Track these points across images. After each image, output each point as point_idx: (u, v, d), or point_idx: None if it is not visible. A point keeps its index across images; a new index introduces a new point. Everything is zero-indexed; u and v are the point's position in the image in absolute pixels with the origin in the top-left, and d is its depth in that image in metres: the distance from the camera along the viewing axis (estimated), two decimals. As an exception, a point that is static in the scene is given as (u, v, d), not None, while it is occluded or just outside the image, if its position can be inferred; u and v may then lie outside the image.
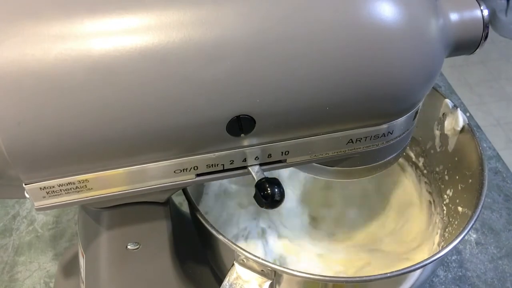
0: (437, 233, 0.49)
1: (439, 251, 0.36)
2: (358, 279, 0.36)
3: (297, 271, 0.35)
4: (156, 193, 0.34)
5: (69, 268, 0.52)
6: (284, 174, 0.54)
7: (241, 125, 0.28)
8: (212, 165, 0.31)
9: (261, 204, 0.31)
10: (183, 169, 0.31)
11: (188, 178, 0.32)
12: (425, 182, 0.53)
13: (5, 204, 0.62)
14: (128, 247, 0.39)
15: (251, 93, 0.27)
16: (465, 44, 0.33)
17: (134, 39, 0.25)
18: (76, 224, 0.59)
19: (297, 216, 0.53)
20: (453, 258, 0.56)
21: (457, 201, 0.46)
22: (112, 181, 0.30)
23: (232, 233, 0.49)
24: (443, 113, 0.48)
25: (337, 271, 0.49)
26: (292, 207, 0.54)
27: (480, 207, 0.39)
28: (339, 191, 0.55)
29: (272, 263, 0.35)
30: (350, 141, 0.33)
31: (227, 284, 0.37)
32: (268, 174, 0.32)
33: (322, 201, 0.55)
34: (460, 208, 0.45)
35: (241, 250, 0.36)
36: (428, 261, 0.35)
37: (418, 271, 0.37)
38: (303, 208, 0.54)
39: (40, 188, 0.29)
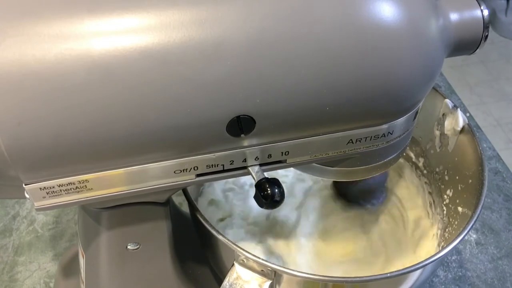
0: (437, 233, 0.49)
1: (439, 251, 0.36)
2: (358, 279, 0.36)
3: (297, 271, 0.35)
4: (156, 193, 0.34)
5: (69, 268, 0.52)
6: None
7: (241, 125, 0.28)
8: (212, 165, 0.31)
9: (261, 205, 0.31)
10: (183, 169, 0.31)
11: (188, 178, 0.32)
12: (425, 182, 0.53)
13: (5, 204, 0.62)
14: (128, 247, 0.39)
15: (251, 93, 0.27)
16: (465, 44, 0.33)
17: (134, 39, 0.25)
18: (76, 224, 0.59)
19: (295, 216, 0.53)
20: (453, 258, 0.56)
21: (457, 201, 0.46)
22: (112, 181, 0.30)
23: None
24: (443, 113, 0.48)
25: (336, 271, 0.49)
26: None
27: (480, 207, 0.39)
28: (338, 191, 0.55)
29: (272, 263, 0.35)
30: (350, 141, 0.33)
31: (227, 284, 0.37)
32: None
33: (321, 200, 0.55)
34: (460, 208, 0.45)
35: (241, 250, 0.36)
36: (428, 261, 0.35)
37: (418, 271, 0.37)
38: (303, 208, 0.54)
39: (40, 188, 0.29)
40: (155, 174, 0.30)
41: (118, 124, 0.27)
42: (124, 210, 0.36)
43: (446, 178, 0.49)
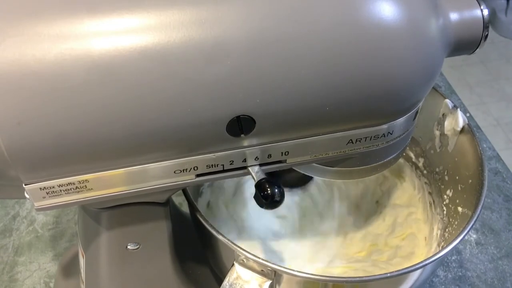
0: (437, 233, 0.49)
1: (439, 251, 0.36)
2: (358, 279, 0.36)
3: (297, 271, 0.35)
4: (156, 193, 0.34)
5: (69, 268, 0.52)
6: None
7: (241, 125, 0.28)
8: (212, 165, 0.31)
9: (261, 205, 0.31)
10: (183, 169, 0.31)
11: (188, 178, 0.32)
12: (425, 183, 0.53)
13: (5, 204, 0.62)
14: (128, 247, 0.39)
15: (251, 93, 0.27)
16: (465, 44, 0.33)
17: (134, 39, 0.25)
18: (76, 224, 0.59)
19: (294, 217, 0.53)
20: (453, 258, 0.56)
21: (457, 201, 0.46)
22: (112, 182, 0.30)
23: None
24: (443, 113, 0.48)
25: (336, 271, 0.49)
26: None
27: (480, 207, 0.39)
28: (338, 191, 0.55)
29: (272, 263, 0.35)
30: (350, 141, 0.33)
31: (227, 284, 0.37)
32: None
33: (322, 200, 0.55)
34: (460, 209, 0.45)
35: (241, 250, 0.36)
36: (428, 261, 0.35)
37: (418, 271, 0.37)
38: (302, 208, 0.54)
39: (40, 188, 0.29)
40: (155, 174, 0.30)
41: (118, 124, 0.27)
42: (124, 210, 0.36)
43: (446, 178, 0.49)
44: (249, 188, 0.53)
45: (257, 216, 0.51)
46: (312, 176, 0.38)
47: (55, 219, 0.61)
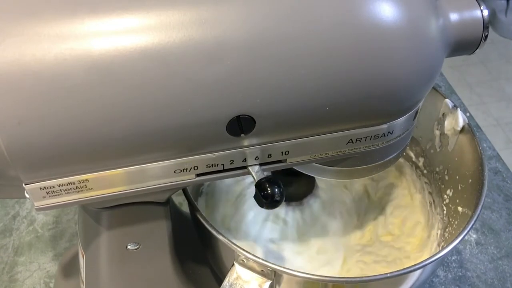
0: (437, 233, 0.49)
1: (439, 251, 0.36)
2: (358, 279, 0.36)
3: (297, 271, 0.35)
4: (156, 193, 0.34)
5: (69, 268, 0.52)
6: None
7: (241, 125, 0.28)
8: (212, 165, 0.31)
9: (261, 204, 0.31)
10: (183, 169, 0.31)
11: (188, 178, 0.32)
12: (425, 182, 0.53)
13: (5, 204, 0.62)
14: (128, 247, 0.39)
15: (251, 93, 0.27)
16: (465, 44, 0.33)
17: (134, 39, 0.26)
18: (76, 224, 0.59)
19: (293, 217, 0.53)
20: (453, 258, 0.56)
21: (457, 201, 0.46)
22: (112, 181, 0.30)
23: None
24: (443, 113, 0.48)
25: (337, 271, 0.49)
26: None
27: (480, 207, 0.39)
28: (338, 191, 0.55)
29: (272, 263, 0.35)
30: (350, 141, 0.33)
31: (227, 284, 0.37)
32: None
33: (320, 201, 0.55)
34: (460, 208, 0.45)
35: (241, 250, 0.36)
36: (428, 261, 0.35)
37: (418, 271, 0.37)
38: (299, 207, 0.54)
39: (40, 188, 0.29)
40: (155, 174, 0.30)
41: (118, 124, 0.27)
42: (124, 210, 0.36)
43: (446, 178, 0.49)
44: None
45: (255, 224, 0.51)
46: (312, 175, 0.38)
47: (55, 219, 0.61)
